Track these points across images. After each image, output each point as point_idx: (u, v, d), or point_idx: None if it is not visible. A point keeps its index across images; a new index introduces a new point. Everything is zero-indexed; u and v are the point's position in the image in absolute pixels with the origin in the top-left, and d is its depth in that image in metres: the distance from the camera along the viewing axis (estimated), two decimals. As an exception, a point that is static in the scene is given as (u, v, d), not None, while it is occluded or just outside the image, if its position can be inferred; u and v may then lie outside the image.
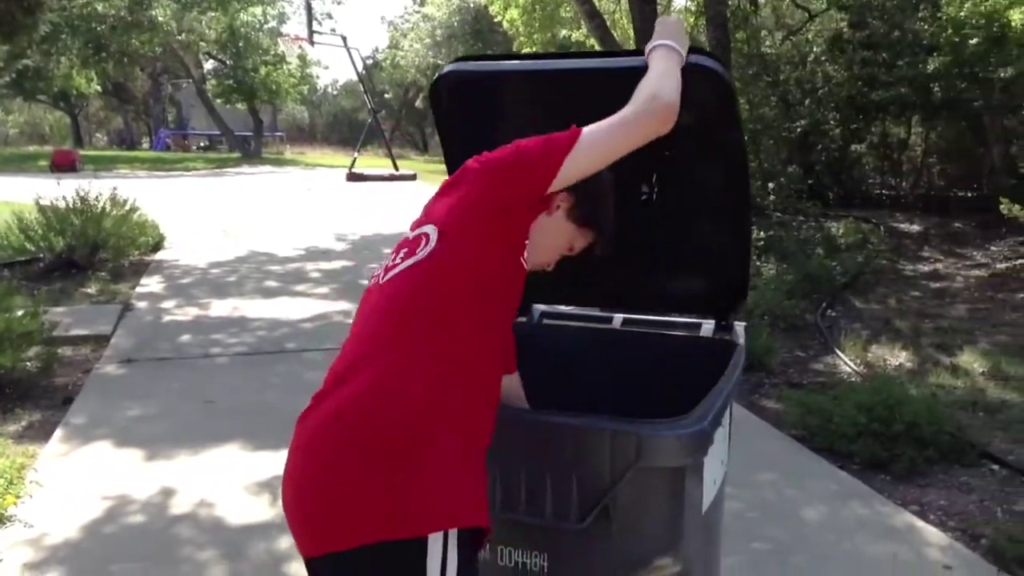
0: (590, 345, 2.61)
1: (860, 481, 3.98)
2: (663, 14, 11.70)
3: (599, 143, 1.66)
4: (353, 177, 23.94)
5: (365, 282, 1.46)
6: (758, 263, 7.98)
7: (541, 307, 2.72)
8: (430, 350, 1.55)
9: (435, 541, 1.48)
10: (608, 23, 12.10)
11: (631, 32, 11.01)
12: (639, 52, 1.89)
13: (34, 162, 28.22)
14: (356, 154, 26.40)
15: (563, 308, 2.74)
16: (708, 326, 2.49)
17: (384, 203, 15.97)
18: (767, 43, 13.91)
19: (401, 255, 1.65)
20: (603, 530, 1.81)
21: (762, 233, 9.19)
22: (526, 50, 19.52)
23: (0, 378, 5.08)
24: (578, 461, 1.82)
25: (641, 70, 1.79)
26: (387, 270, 1.66)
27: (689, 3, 15.61)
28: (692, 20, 14.75)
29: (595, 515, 1.79)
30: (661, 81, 1.73)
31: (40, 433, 4.56)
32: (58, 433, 4.51)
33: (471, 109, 1.78)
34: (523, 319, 2.70)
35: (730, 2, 12.64)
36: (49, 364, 5.50)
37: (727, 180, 2.17)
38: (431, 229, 1.63)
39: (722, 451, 2.14)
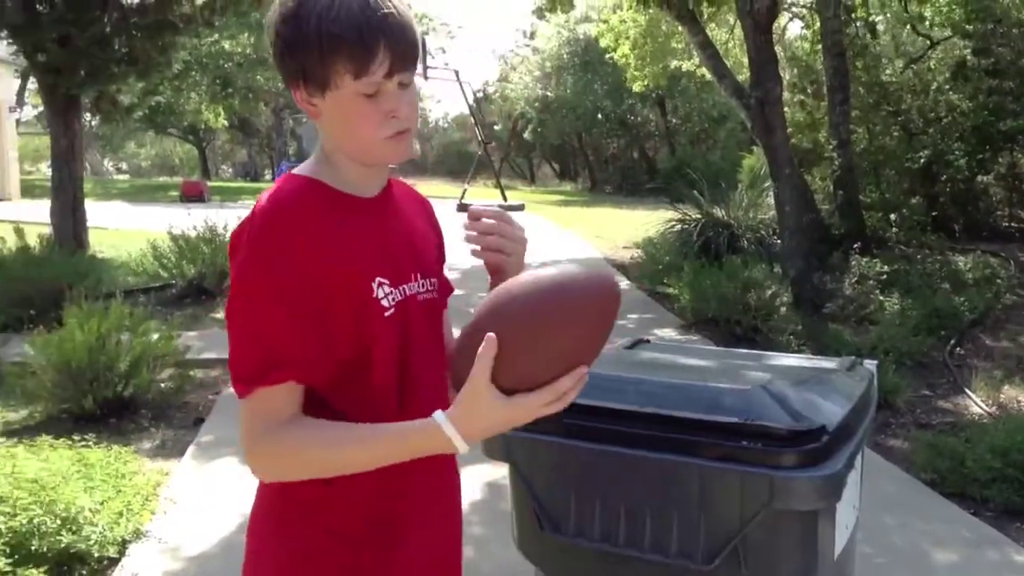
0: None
1: (994, 528, 3.79)
2: (778, 44, 11.53)
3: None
4: (463, 208, 24.34)
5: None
6: (881, 297, 7.70)
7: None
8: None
9: None
10: (721, 52, 11.94)
11: (745, 61, 10.85)
12: None
13: (165, 192, 29.78)
14: (466, 185, 26.83)
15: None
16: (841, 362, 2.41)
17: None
18: (887, 71, 13.48)
19: None
20: (732, 573, 1.79)
21: (885, 267, 8.88)
22: (636, 85, 19.42)
23: (137, 399, 5.37)
24: (706, 501, 1.80)
25: None
26: None
27: (805, 31, 15.29)
28: (809, 48, 14.46)
29: (724, 556, 1.77)
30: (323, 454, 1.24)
31: (173, 451, 4.79)
32: (190, 452, 4.72)
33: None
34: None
35: (848, 31, 12.35)
36: (182, 386, 5.78)
37: None
38: None
39: (854, 495, 2.08)
